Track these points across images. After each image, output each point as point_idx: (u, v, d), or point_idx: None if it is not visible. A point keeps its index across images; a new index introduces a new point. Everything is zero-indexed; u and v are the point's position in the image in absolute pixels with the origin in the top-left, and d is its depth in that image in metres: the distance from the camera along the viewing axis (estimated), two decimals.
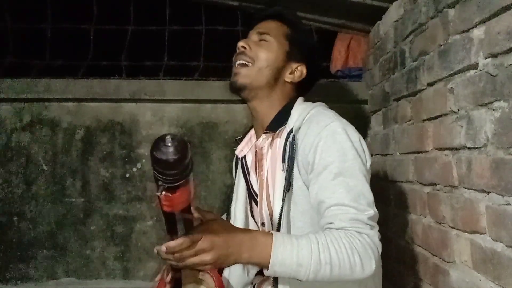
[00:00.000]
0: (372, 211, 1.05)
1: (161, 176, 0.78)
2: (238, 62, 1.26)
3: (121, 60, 2.12)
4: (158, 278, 1.16)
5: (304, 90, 1.34)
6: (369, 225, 1.03)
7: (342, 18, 1.97)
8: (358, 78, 2.09)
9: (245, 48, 1.26)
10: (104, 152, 2.06)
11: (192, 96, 2.04)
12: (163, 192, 0.80)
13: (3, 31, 2.13)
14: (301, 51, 1.30)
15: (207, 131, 2.07)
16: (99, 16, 2.13)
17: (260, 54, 1.25)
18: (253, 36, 1.30)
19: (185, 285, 1.13)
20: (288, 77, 1.28)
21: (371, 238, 1.01)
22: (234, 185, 1.39)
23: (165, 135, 0.76)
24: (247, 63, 1.25)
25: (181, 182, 0.79)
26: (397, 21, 1.59)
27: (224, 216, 1.42)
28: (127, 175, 2.05)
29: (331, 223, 1.03)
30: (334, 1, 1.79)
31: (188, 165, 0.79)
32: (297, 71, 1.29)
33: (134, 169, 2.05)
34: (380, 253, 1.03)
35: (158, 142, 0.76)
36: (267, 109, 1.27)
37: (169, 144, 0.75)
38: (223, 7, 2.05)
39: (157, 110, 2.08)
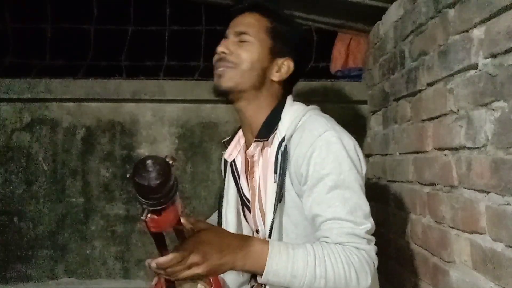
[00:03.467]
0: (369, 224, 1.03)
1: (144, 201, 0.75)
2: (220, 69, 1.18)
3: (121, 60, 2.13)
4: (155, 281, 1.16)
5: (291, 85, 1.27)
6: (366, 239, 1.02)
7: (342, 18, 1.97)
8: (358, 78, 2.08)
9: (225, 53, 1.18)
10: (105, 152, 2.06)
11: (192, 96, 2.04)
12: (149, 215, 0.77)
13: (3, 31, 2.13)
14: (285, 45, 1.21)
15: (207, 131, 2.08)
16: (99, 16, 2.13)
17: (242, 56, 1.17)
18: (231, 36, 1.21)
19: (182, 285, 1.12)
20: (275, 76, 1.21)
21: (368, 253, 1.01)
22: (224, 188, 1.34)
23: (146, 158, 0.73)
24: (229, 67, 1.17)
25: (166, 204, 0.76)
26: (397, 21, 1.59)
27: (215, 216, 1.39)
28: (127, 175, 2.04)
29: (327, 237, 1.01)
30: (334, 1, 1.79)
31: (172, 187, 0.75)
32: (284, 67, 1.21)
33: None
34: (376, 267, 1.03)
35: (139, 167, 0.72)
36: (255, 112, 1.20)
37: (150, 169, 0.71)
38: (223, 7, 2.04)
39: (157, 110, 2.08)
